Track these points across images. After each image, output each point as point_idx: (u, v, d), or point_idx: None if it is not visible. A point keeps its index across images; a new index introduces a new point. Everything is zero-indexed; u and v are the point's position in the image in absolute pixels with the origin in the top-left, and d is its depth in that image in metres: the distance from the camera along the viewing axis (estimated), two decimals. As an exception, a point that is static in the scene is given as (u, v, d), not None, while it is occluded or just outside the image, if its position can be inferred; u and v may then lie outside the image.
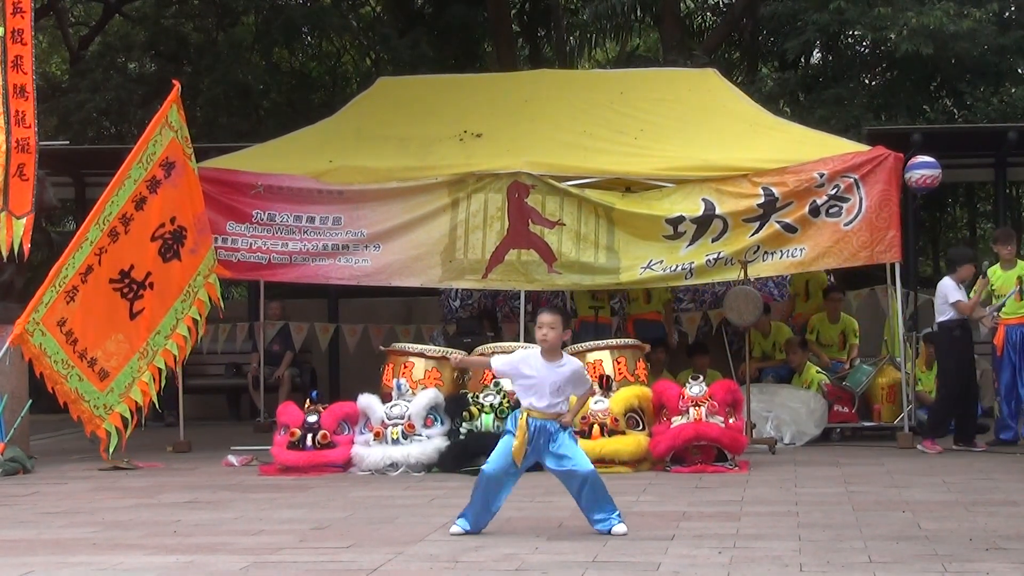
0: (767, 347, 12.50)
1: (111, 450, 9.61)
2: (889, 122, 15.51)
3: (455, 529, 6.29)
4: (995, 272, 10.57)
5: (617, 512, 6.24)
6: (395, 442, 9.09)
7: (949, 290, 10.32)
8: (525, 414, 6.24)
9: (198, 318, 10.40)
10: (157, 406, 10.24)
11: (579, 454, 6.29)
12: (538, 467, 9.05)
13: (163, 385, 10.35)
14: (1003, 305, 10.37)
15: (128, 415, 9.81)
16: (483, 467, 6.34)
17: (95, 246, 9.64)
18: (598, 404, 9.01)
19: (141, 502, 7.81)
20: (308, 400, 9.64)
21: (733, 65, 20.71)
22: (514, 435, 6.21)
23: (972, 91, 15.52)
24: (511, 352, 9.95)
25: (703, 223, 10.62)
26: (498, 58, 19.56)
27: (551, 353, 6.33)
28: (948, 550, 5.68)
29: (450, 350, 10.51)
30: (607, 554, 5.70)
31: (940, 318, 10.42)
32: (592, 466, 6.29)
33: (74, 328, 9.47)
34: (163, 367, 10.08)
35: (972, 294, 10.38)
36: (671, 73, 14.06)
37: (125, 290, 9.90)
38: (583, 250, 10.73)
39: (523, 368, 6.34)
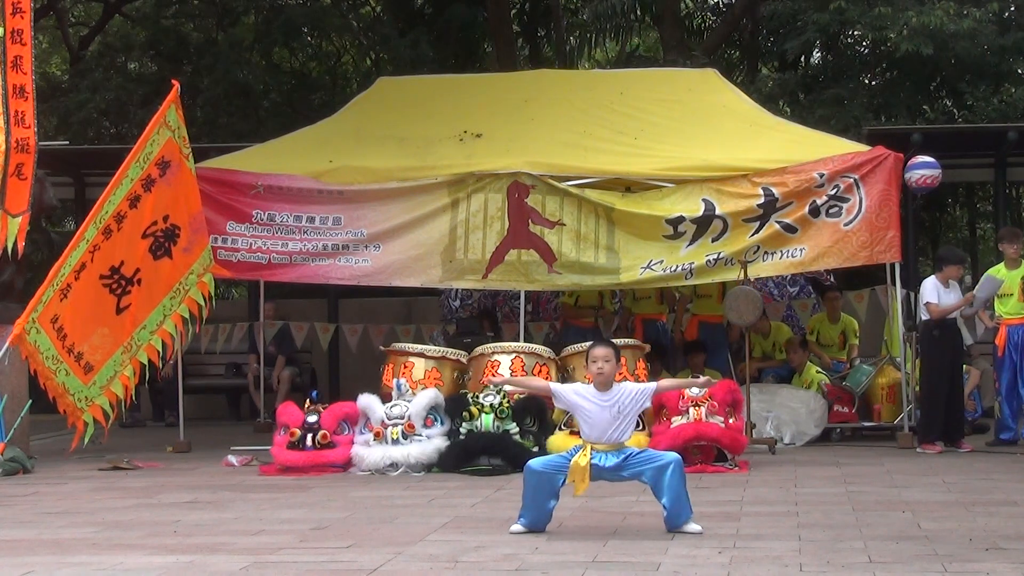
0: (767, 347, 12.51)
1: (86, 440, 9.69)
2: (889, 122, 15.52)
3: (515, 528, 6.27)
4: (999, 271, 10.55)
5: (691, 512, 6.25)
6: (395, 442, 9.09)
7: (926, 291, 10.30)
8: (588, 448, 6.20)
9: (187, 316, 10.41)
10: (135, 399, 10.27)
11: (653, 455, 6.27)
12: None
13: (147, 379, 10.39)
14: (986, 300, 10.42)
15: (108, 408, 9.87)
16: (529, 463, 6.31)
17: (90, 244, 9.65)
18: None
19: (141, 502, 7.81)
20: (308, 400, 9.64)
21: (733, 65, 20.73)
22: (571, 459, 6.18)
23: (972, 91, 15.52)
24: (510, 352, 10.06)
25: (703, 223, 10.61)
26: (498, 58, 19.56)
27: (604, 385, 6.31)
28: (948, 550, 5.68)
29: (450, 350, 10.53)
30: (607, 554, 5.70)
31: (923, 316, 10.43)
32: (675, 457, 6.27)
33: (64, 324, 9.50)
34: (145, 362, 10.10)
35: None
36: (671, 73, 14.06)
37: (114, 286, 9.92)
38: (583, 250, 10.72)
39: (579, 400, 6.31)
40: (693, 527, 6.16)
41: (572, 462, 6.16)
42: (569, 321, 12.73)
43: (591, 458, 6.16)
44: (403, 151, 11.43)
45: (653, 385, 6.44)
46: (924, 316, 10.37)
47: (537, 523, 6.26)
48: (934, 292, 10.25)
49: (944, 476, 8.46)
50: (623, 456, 6.24)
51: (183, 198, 10.32)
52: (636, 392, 6.31)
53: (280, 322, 14.04)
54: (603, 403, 6.25)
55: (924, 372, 10.45)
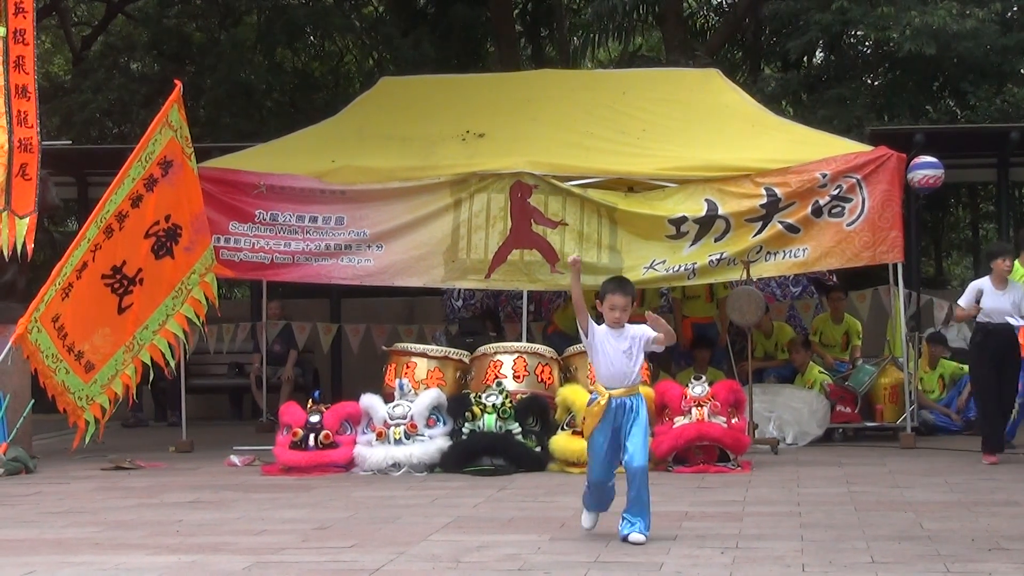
0: (769, 347, 12.49)
1: (87, 439, 9.70)
2: (892, 122, 15.50)
3: (587, 523, 6.20)
4: (1020, 270, 10.40)
5: (646, 523, 6.04)
6: (397, 442, 9.09)
7: (965, 292, 9.71)
8: (607, 395, 6.09)
9: (192, 317, 10.40)
10: (137, 398, 10.24)
11: (638, 447, 6.09)
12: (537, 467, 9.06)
13: (152, 378, 10.40)
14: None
15: (107, 405, 9.87)
16: (588, 477, 6.20)
17: (92, 243, 9.66)
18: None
19: (143, 502, 7.82)
20: (310, 400, 9.65)
21: (736, 65, 20.72)
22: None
23: (975, 91, 15.50)
24: (513, 352, 10.06)
25: (706, 223, 10.60)
26: (501, 58, 19.57)
27: (618, 328, 6.24)
28: (951, 550, 5.68)
29: (452, 350, 10.53)
30: (609, 554, 5.70)
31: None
32: (644, 463, 6.09)
33: (65, 323, 9.51)
34: (148, 362, 10.10)
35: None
36: (674, 73, 14.07)
37: (116, 285, 9.93)
38: (586, 250, 10.70)
39: (596, 339, 6.22)
40: (637, 538, 5.94)
41: (588, 409, 6.09)
42: (559, 327, 12.71)
43: (610, 404, 6.07)
44: (406, 151, 11.43)
45: (650, 332, 6.26)
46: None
47: (603, 507, 6.23)
48: (968, 294, 9.59)
49: (946, 476, 8.46)
50: (636, 410, 6.11)
51: (185, 198, 10.33)
52: (640, 333, 6.21)
53: (282, 322, 14.04)
54: (615, 339, 6.17)
55: (971, 381, 10.06)
